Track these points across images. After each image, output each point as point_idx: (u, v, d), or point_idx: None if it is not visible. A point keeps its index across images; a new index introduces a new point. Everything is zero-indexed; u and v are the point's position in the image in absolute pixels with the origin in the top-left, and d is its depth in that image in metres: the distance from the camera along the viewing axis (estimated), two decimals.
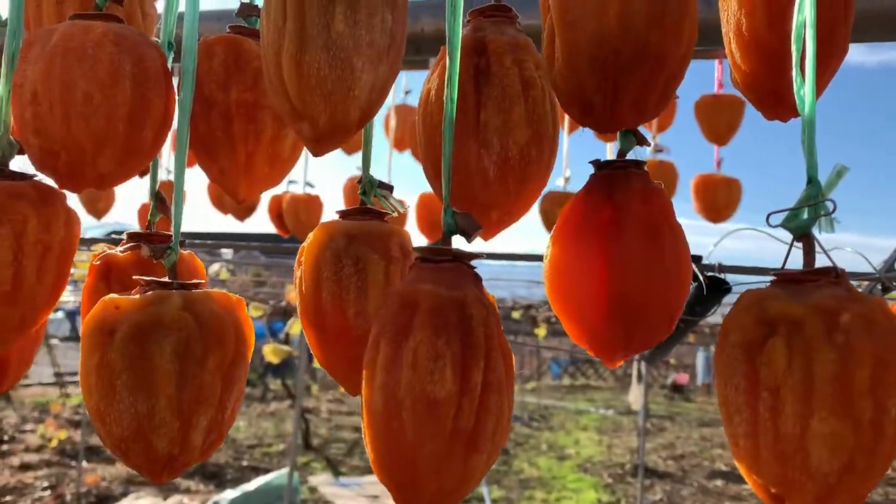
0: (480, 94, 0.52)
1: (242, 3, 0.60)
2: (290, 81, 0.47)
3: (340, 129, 0.49)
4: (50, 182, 0.55)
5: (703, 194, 1.66)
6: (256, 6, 0.60)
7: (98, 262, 0.58)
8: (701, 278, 0.60)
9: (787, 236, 0.45)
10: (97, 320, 0.48)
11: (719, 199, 1.67)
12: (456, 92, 0.49)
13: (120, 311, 0.48)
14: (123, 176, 0.54)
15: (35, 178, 0.56)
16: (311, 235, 0.57)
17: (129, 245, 0.59)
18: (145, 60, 0.53)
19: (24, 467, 6.46)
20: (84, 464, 6.24)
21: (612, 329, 0.51)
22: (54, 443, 6.95)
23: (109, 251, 0.58)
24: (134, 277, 0.51)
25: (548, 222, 1.61)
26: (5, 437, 7.33)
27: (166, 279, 0.51)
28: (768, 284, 0.44)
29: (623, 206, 0.51)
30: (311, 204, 1.88)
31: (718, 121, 1.61)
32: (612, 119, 0.45)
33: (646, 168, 0.52)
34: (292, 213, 1.85)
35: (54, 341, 10.07)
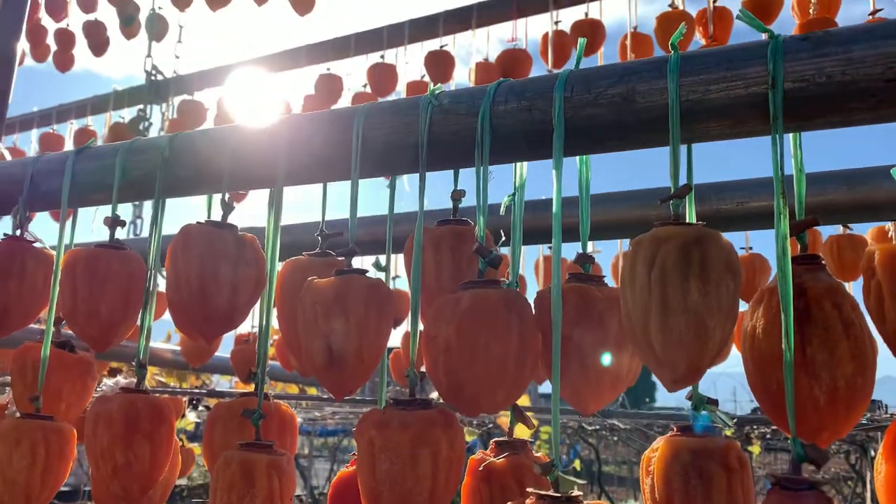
0: (804, 332, 0.62)
1: (579, 254, 0.76)
2: (655, 339, 0.61)
3: (695, 373, 0.62)
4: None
5: None
6: (592, 256, 0.76)
7: (482, 469, 0.73)
8: None
9: None
10: None
11: None
12: (793, 340, 0.60)
13: None
14: (511, 402, 0.70)
15: (435, 404, 0.73)
16: (658, 448, 0.69)
17: (505, 454, 0.74)
18: (525, 322, 0.69)
19: None
20: None
21: None
22: None
23: (489, 459, 0.74)
24: (528, 490, 0.65)
25: None
26: None
27: (552, 492, 0.64)
28: None
29: None
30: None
31: None
32: None
33: None
34: None
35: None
